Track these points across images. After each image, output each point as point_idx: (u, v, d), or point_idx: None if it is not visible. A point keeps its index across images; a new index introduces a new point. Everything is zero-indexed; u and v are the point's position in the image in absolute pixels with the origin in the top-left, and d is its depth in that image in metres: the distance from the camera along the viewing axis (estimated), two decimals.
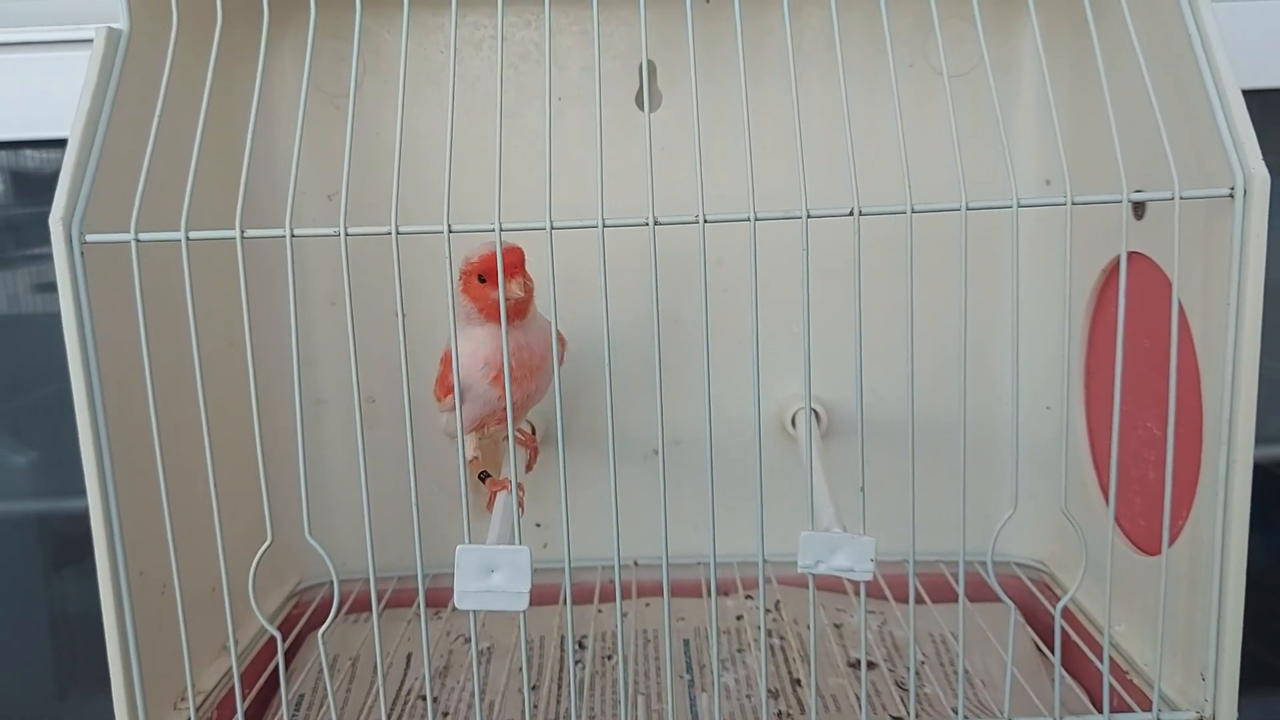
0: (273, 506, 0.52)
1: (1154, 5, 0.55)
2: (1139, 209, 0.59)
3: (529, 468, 0.68)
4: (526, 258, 0.58)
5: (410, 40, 0.72)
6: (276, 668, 0.54)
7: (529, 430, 0.75)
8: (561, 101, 0.73)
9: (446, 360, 0.61)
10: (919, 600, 0.71)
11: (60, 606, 0.90)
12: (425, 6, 0.71)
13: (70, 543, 0.89)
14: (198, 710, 0.59)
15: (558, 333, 0.54)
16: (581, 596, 0.74)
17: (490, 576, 0.51)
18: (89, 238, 0.49)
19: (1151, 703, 0.54)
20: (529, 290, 0.59)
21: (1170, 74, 0.54)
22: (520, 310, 0.59)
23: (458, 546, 0.51)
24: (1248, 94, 0.51)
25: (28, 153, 0.83)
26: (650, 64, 0.72)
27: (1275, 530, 0.85)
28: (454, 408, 0.57)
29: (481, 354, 0.59)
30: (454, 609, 0.73)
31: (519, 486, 0.66)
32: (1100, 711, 0.54)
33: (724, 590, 0.75)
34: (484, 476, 0.64)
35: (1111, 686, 0.55)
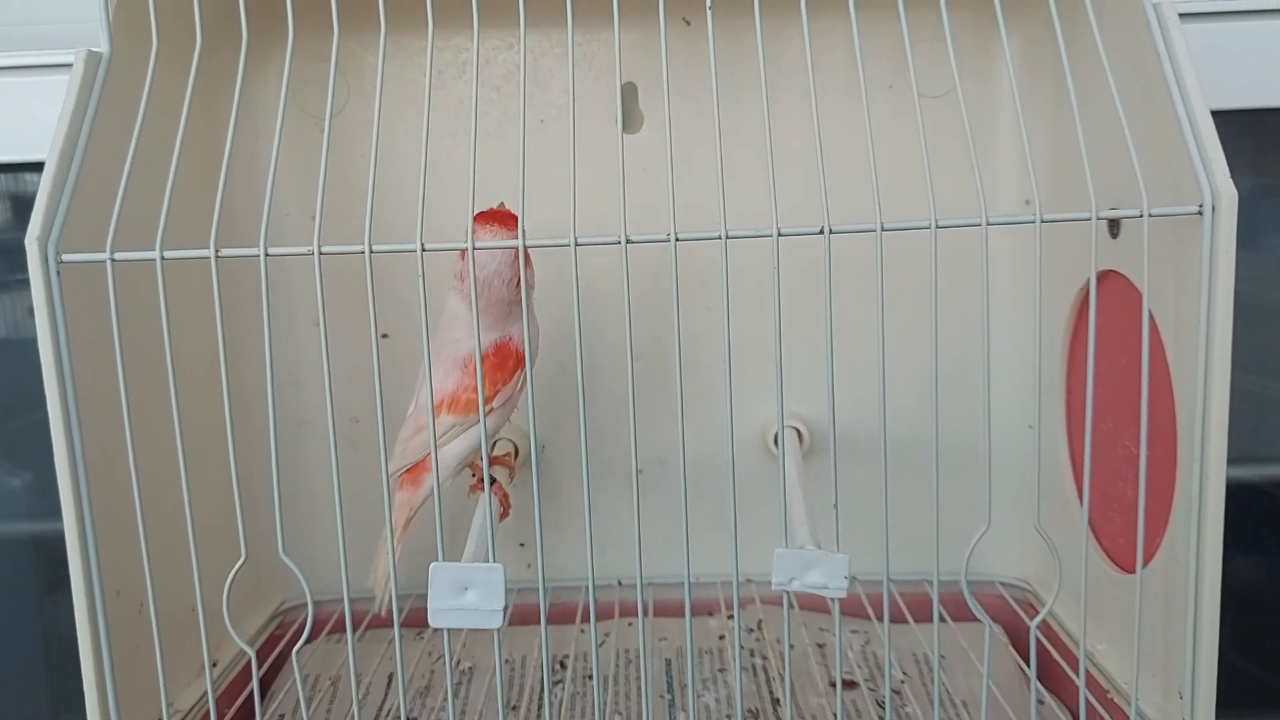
0: (255, 525, 0.53)
1: (1125, 28, 0.56)
2: (1114, 229, 0.59)
3: (510, 476, 0.69)
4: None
5: (395, 64, 0.73)
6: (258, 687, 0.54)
7: (511, 450, 0.75)
8: (544, 123, 0.73)
9: (489, 356, 0.60)
10: (902, 620, 0.71)
11: (53, 628, 0.90)
12: (409, 30, 0.71)
13: (64, 565, 0.90)
14: None
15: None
16: (565, 617, 0.74)
17: (464, 594, 0.51)
18: (65, 257, 0.50)
19: None
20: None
21: (1142, 96, 0.54)
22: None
23: (431, 564, 0.51)
24: (1219, 115, 0.51)
25: (26, 176, 0.84)
26: (631, 85, 0.73)
27: (1270, 550, 0.85)
28: (506, 400, 0.60)
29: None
30: (436, 630, 0.73)
31: (504, 495, 0.66)
32: None
33: (707, 610, 0.75)
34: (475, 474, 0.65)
35: (1089, 704, 0.54)
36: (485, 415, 0.53)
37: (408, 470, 0.61)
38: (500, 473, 0.68)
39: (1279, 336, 0.81)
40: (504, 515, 0.66)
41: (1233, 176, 0.49)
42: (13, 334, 0.91)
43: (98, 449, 0.53)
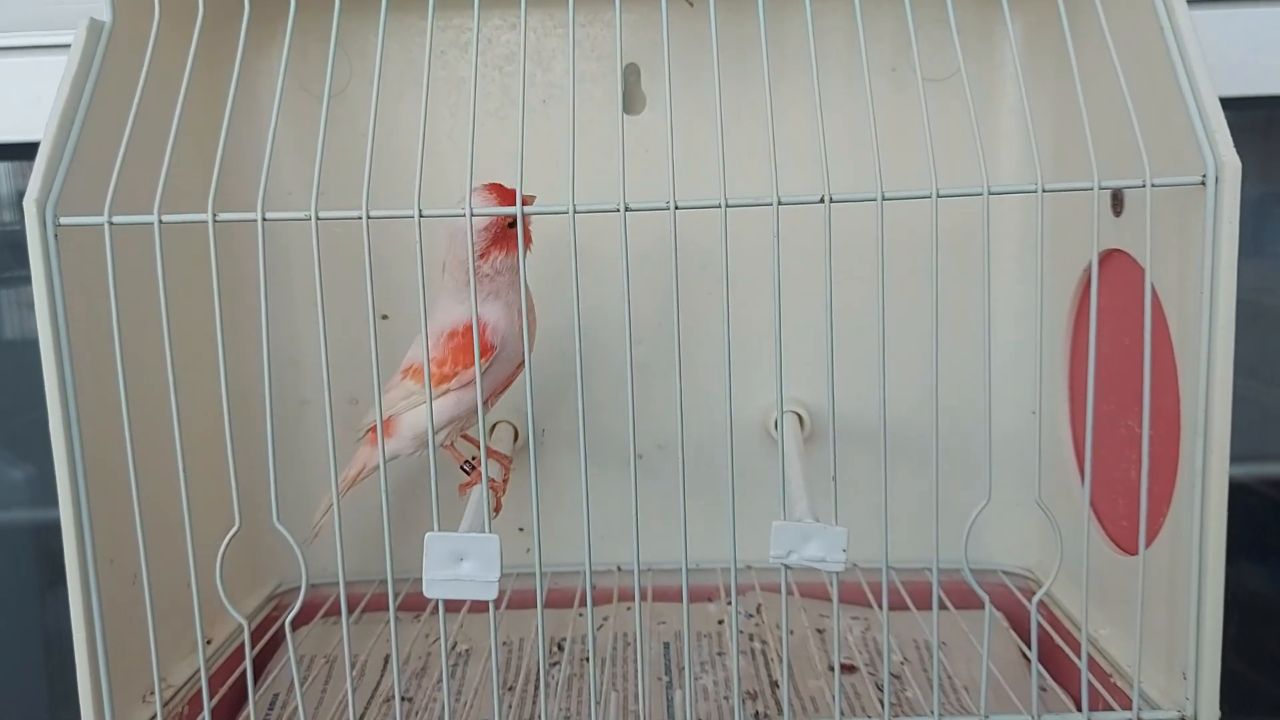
0: (250, 504, 0.52)
1: (1129, 7, 0.55)
2: (1118, 206, 0.59)
3: (504, 480, 0.68)
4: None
5: (398, 43, 0.73)
6: (251, 663, 0.54)
7: (511, 433, 0.75)
8: (546, 104, 0.73)
9: (458, 335, 0.59)
10: (903, 606, 0.70)
11: (55, 622, 0.90)
12: (412, 10, 0.71)
13: (62, 556, 0.90)
14: (168, 704, 0.59)
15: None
16: (563, 601, 0.74)
17: (459, 565, 0.51)
18: (63, 220, 0.50)
19: (1132, 703, 0.53)
20: None
21: (1145, 74, 0.54)
22: None
23: (426, 534, 0.50)
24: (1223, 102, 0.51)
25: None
26: (634, 66, 0.73)
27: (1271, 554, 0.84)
28: (468, 383, 0.58)
29: (516, 307, 0.59)
30: (433, 612, 0.73)
31: (498, 484, 0.65)
32: (1080, 710, 0.53)
33: (707, 596, 0.75)
34: (468, 468, 0.64)
35: (1093, 687, 0.54)
36: (436, 396, 0.53)
37: (372, 429, 0.62)
38: (492, 467, 0.67)
39: None
40: (496, 509, 0.65)
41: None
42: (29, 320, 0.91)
43: (94, 420, 0.52)
